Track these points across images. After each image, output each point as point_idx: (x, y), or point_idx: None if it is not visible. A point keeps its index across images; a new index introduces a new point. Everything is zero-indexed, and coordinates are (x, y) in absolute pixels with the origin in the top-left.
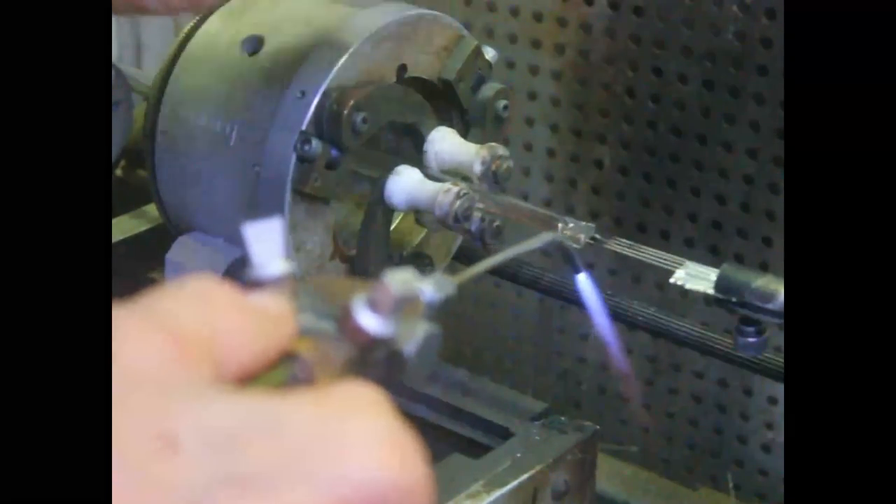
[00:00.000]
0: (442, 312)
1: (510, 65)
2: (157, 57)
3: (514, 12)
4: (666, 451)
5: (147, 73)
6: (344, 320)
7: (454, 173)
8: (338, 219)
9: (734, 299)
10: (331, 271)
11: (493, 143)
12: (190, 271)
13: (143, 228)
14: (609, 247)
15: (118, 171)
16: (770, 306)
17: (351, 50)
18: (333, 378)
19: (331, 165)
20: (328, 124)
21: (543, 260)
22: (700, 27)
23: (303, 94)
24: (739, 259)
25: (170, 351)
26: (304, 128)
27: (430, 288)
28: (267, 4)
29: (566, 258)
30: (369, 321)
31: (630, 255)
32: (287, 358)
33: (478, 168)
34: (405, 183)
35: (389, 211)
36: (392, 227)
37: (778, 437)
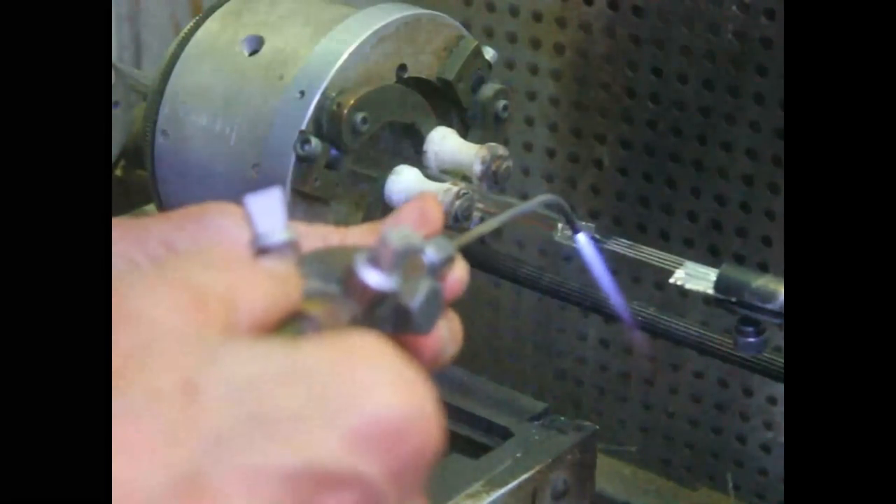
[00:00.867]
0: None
1: (510, 65)
2: (157, 57)
3: (514, 12)
4: (666, 451)
5: (147, 73)
6: (348, 279)
7: (454, 173)
8: (338, 219)
9: (734, 299)
10: None
11: (492, 143)
12: None
13: None
14: (609, 247)
15: (118, 171)
16: (770, 306)
17: (351, 50)
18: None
19: (331, 165)
20: (328, 124)
21: (543, 260)
22: (700, 27)
23: (303, 94)
24: (739, 259)
25: (188, 306)
26: (303, 128)
27: (430, 249)
28: (267, 4)
29: (564, 218)
30: (373, 277)
31: (630, 255)
32: (296, 317)
33: (477, 168)
34: (405, 183)
35: (389, 211)
36: None
37: (778, 437)
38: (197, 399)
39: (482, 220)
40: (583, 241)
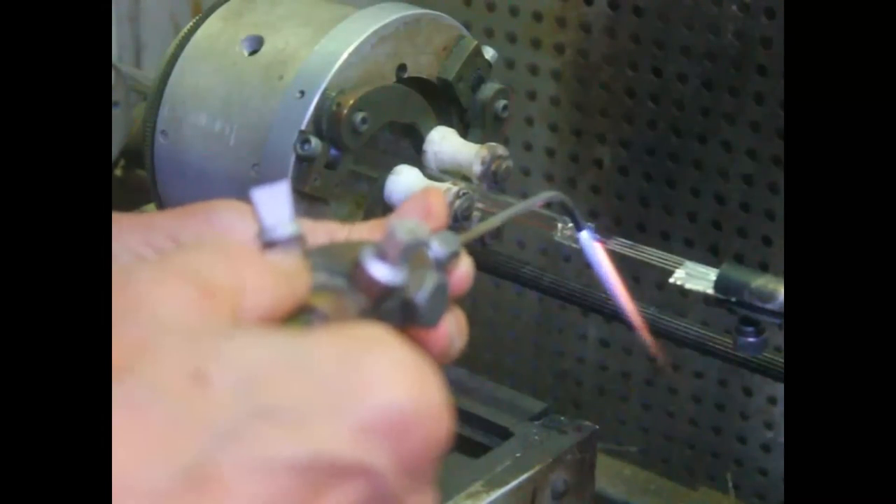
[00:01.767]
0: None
1: (510, 65)
2: (156, 57)
3: (514, 12)
4: (666, 451)
5: (147, 73)
6: (355, 273)
7: (454, 173)
8: (338, 218)
9: (734, 299)
10: None
11: (492, 143)
12: None
13: None
14: (609, 247)
15: (118, 171)
16: (770, 306)
17: (351, 49)
18: None
19: (330, 165)
20: (328, 124)
21: (543, 260)
22: (700, 27)
23: (302, 93)
24: (739, 259)
25: (196, 298)
26: (303, 127)
27: (436, 243)
28: (267, 4)
29: (568, 215)
30: (380, 270)
31: (630, 254)
32: (303, 310)
33: (477, 168)
34: (405, 183)
35: (389, 210)
36: None
37: (778, 436)
38: (205, 390)
39: (482, 220)
40: (586, 238)
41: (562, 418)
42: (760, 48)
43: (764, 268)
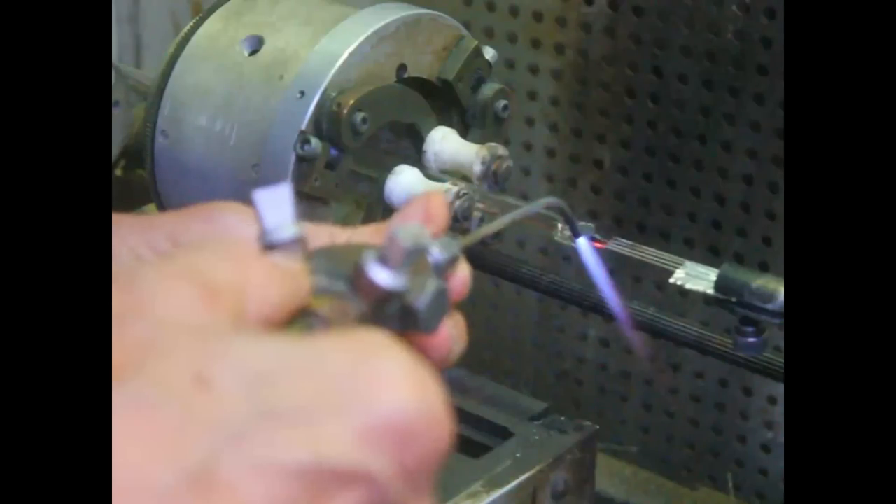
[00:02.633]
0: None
1: (510, 65)
2: (157, 57)
3: (514, 12)
4: (666, 451)
5: (147, 73)
6: (356, 277)
7: (454, 173)
8: (338, 219)
9: (734, 299)
10: None
11: (492, 143)
12: None
13: None
14: (609, 247)
15: (118, 171)
16: (770, 306)
17: (351, 50)
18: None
19: (331, 165)
20: (328, 124)
21: (543, 260)
22: (700, 27)
23: (302, 94)
24: (739, 259)
25: (198, 299)
26: (303, 128)
27: (436, 248)
28: (267, 4)
29: (566, 221)
30: (381, 275)
31: (630, 255)
32: (305, 313)
33: (478, 168)
34: (405, 183)
35: (389, 211)
36: None
37: (778, 436)
38: (208, 392)
39: (482, 220)
40: (583, 244)
41: (562, 418)
42: (760, 48)
43: (764, 268)
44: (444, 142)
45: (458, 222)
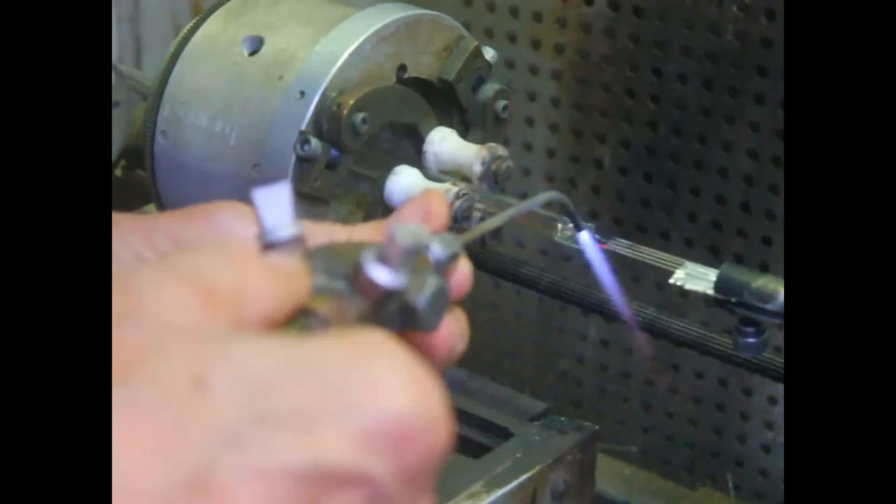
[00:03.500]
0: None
1: (510, 65)
2: (157, 57)
3: (514, 12)
4: (666, 451)
5: (147, 73)
6: (356, 276)
7: (454, 173)
8: (338, 219)
9: (734, 299)
10: None
11: (492, 144)
12: None
13: None
14: (609, 247)
15: (118, 171)
16: (770, 306)
17: (351, 50)
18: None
19: (331, 165)
20: (328, 124)
21: (543, 260)
22: (700, 27)
23: (303, 94)
24: (739, 259)
25: (196, 301)
26: (303, 128)
27: (436, 246)
28: (267, 4)
29: (568, 216)
30: (381, 274)
31: (630, 255)
32: (303, 313)
33: (478, 168)
34: (405, 183)
35: (389, 211)
36: None
37: (778, 437)
38: (206, 394)
39: (482, 220)
40: (585, 239)
41: (562, 418)
42: (760, 48)
43: (764, 268)
44: (444, 142)
45: (458, 223)
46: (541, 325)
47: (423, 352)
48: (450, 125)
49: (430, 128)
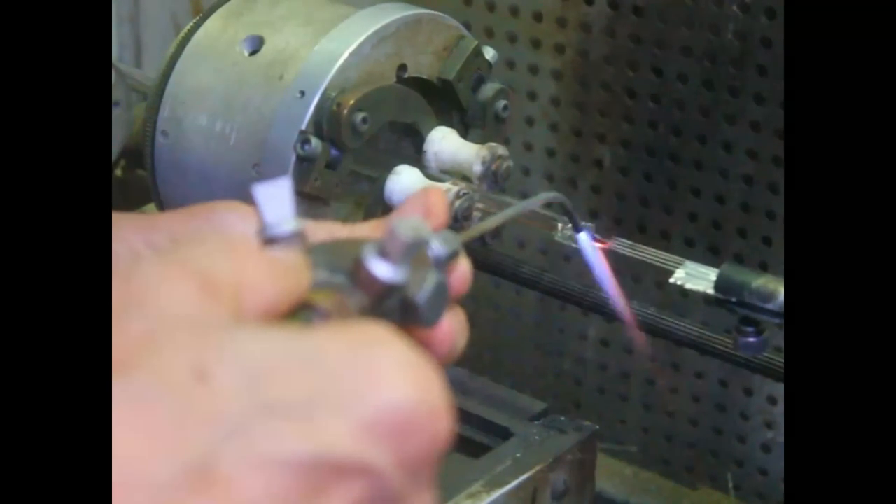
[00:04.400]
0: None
1: (510, 65)
2: (157, 57)
3: (514, 12)
4: (666, 451)
5: (147, 73)
6: (356, 270)
7: (454, 173)
8: (338, 218)
9: (734, 299)
10: None
11: (492, 143)
12: None
13: None
14: (609, 247)
15: (118, 171)
16: (770, 306)
17: (351, 50)
18: None
19: (331, 165)
20: (328, 124)
21: (543, 260)
22: (700, 27)
23: (303, 94)
24: (739, 259)
25: (197, 293)
26: (303, 128)
27: (437, 242)
28: (267, 4)
29: (567, 216)
30: (381, 269)
31: (630, 255)
32: (304, 307)
33: (478, 168)
34: (405, 182)
35: (389, 211)
36: None
37: (778, 436)
38: (207, 385)
39: (482, 219)
40: (584, 239)
41: (562, 418)
42: (760, 48)
43: (764, 268)
44: (444, 142)
45: (458, 222)
46: (541, 324)
47: (423, 348)
48: (450, 125)
49: (431, 127)
